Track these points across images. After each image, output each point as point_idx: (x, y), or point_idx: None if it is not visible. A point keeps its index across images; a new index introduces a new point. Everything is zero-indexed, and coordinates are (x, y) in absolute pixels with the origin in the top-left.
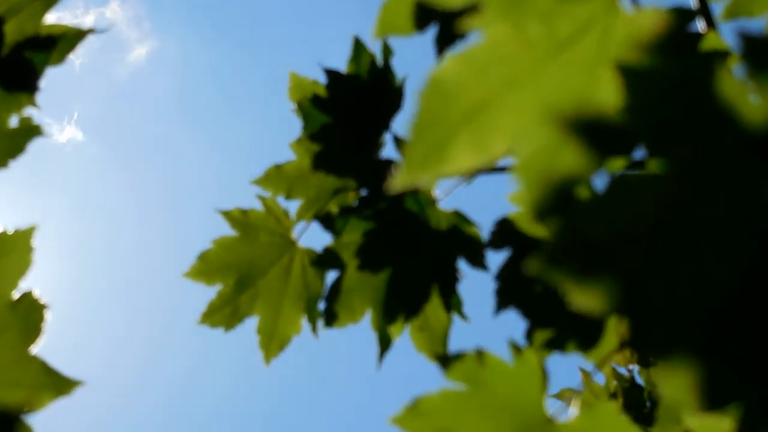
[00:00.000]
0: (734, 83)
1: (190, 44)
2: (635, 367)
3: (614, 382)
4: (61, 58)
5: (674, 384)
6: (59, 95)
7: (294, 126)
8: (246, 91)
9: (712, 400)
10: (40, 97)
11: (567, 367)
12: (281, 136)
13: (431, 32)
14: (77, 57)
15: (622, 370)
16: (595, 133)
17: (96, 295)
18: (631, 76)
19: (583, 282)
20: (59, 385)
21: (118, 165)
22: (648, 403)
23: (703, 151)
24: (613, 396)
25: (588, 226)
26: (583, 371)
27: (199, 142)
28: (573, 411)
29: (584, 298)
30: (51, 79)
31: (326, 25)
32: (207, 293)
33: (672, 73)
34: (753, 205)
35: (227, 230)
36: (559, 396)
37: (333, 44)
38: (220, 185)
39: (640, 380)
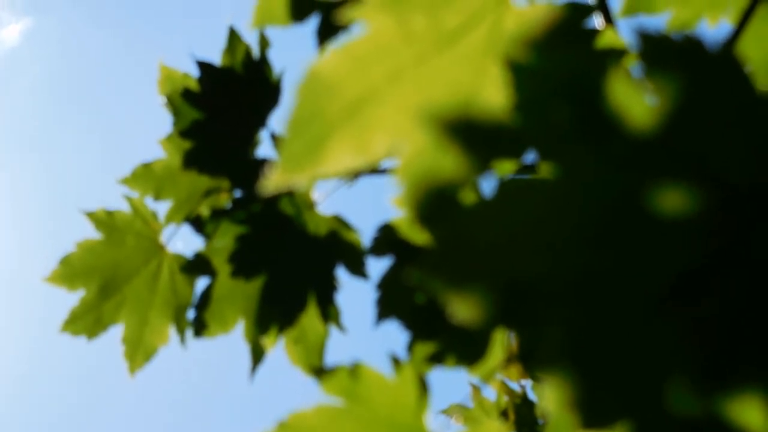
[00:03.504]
0: (630, 83)
1: (70, 22)
2: (528, 382)
3: (505, 398)
4: None
5: (558, 400)
6: None
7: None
8: (130, 79)
9: (596, 418)
10: None
11: (462, 381)
12: (158, 131)
13: (312, 23)
14: None
15: (514, 385)
16: (480, 134)
17: None
18: (520, 73)
19: (464, 292)
20: None
21: None
22: (541, 421)
23: (594, 155)
24: (505, 412)
25: (471, 233)
26: (473, 386)
27: (72, 135)
28: (455, 428)
29: (466, 309)
30: None
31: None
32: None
33: (564, 71)
34: (641, 214)
35: (92, 232)
36: (447, 412)
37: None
38: (96, 183)
39: (533, 395)
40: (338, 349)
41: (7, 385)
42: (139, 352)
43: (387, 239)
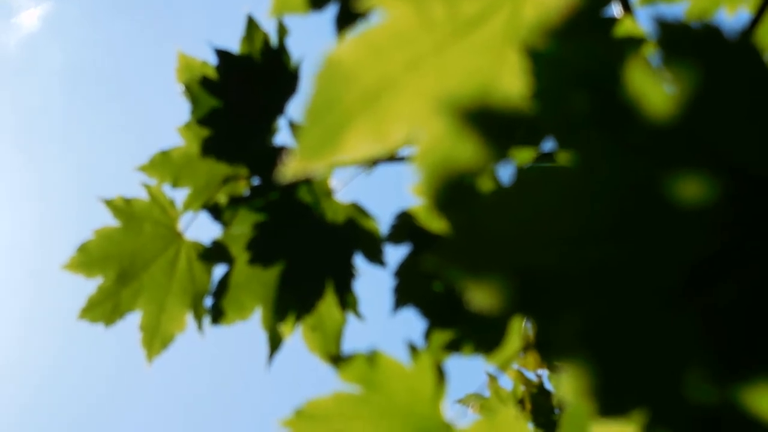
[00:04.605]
0: (648, 71)
1: (89, 7)
2: (545, 372)
3: (521, 387)
4: None
5: (575, 389)
6: None
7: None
8: (149, 66)
9: (613, 406)
10: None
11: (479, 371)
12: (177, 118)
13: (331, 11)
14: None
15: (531, 375)
16: (498, 122)
17: None
18: (538, 61)
19: (481, 280)
20: None
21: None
22: (557, 410)
23: (612, 143)
24: (521, 402)
25: (489, 221)
26: (490, 375)
27: (90, 122)
28: (472, 416)
29: (483, 297)
30: None
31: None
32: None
33: (582, 60)
34: (658, 203)
35: (110, 220)
36: (464, 401)
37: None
38: (114, 170)
39: (549, 385)
40: (356, 337)
41: (29, 371)
42: (156, 340)
43: (405, 227)
